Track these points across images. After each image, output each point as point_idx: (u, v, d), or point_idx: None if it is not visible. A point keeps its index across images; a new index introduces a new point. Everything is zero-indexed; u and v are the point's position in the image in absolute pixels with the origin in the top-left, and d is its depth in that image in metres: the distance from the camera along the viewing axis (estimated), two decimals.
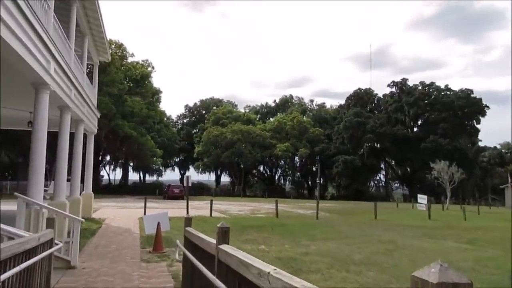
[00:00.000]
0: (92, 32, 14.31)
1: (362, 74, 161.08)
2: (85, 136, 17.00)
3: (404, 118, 62.61)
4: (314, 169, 65.20)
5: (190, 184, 18.77)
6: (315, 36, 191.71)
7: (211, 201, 19.87)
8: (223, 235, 3.16)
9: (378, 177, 72.78)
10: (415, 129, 64.38)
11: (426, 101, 60.70)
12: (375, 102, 68.80)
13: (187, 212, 18.97)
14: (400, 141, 59.09)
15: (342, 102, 72.75)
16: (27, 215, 7.65)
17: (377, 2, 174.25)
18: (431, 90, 61.69)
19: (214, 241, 3.55)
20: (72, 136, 13.82)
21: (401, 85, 63.97)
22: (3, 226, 4.89)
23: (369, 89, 68.60)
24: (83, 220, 7.51)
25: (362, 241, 13.13)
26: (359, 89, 68.26)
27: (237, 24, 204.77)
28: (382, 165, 67.57)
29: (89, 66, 21.88)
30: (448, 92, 60.96)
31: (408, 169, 63.94)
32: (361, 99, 67.01)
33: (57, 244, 5.17)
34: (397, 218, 22.35)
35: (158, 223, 10.11)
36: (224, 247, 3.06)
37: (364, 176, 61.33)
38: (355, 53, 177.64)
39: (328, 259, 9.80)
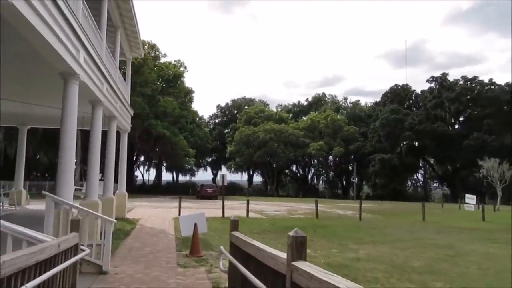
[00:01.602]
0: (124, 25, 13.80)
1: (395, 71, 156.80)
2: (118, 134, 16.59)
3: (445, 114, 59.66)
4: (350, 168, 63.38)
5: (226, 183, 18.01)
6: (347, 34, 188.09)
7: (248, 201, 19.05)
8: (299, 248, 2.26)
9: (415, 177, 69.96)
10: (457, 126, 61.27)
11: (468, 97, 57.57)
12: (413, 98, 66.11)
13: (223, 213, 18.26)
14: (440, 139, 56.33)
15: (376, 100, 70.58)
16: (56, 216, 7.03)
17: None
18: (473, 85, 58.44)
19: (280, 253, 2.65)
20: (105, 134, 13.35)
21: (441, 80, 61.00)
22: (24, 230, 4.20)
23: (407, 85, 65.99)
24: (116, 221, 6.81)
25: (416, 245, 11.92)
26: (395, 85, 65.78)
27: (267, 25, 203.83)
28: (420, 164, 64.76)
29: (123, 68, 21.64)
30: (493, 87, 57.56)
31: (449, 168, 60.89)
32: (398, 95, 64.49)
33: (83, 250, 4.43)
34: (447, 219, 20.74)
35: (195, 225, 9.35)
36: (301, 264, 2.15)
37: (402, 175, 58.95)
38: (389, 51, 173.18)
39: (384, 266, 8.72)
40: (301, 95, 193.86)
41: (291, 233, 2.33)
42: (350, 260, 9.25)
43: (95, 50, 8.72)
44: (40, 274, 2.83)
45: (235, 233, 4.39)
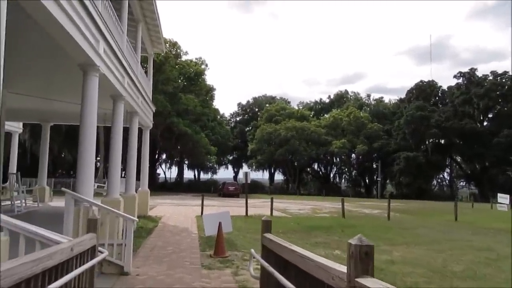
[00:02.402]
0: (145, 19, 13.51)
1: (418, 68, 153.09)
2: (140, 131, 16.38)
3: (473, 111, 57.65)
4: (374, 166, 62.08)
5: (249, 181, 17.57)
6: (368, 31, 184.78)
7: (272, 199, 18.56)
8: (364, 260, 1.78)
9: (441, 175, 67.95)
10: (486, 123, 59.12)
11: (498, 92, 55.36)
12: (439, 95, 64.14)
13: (247, 211, 17.84)
14: (468, 136, 54.47)
15: (398, 97, 68.92)
16: (75, 213, 6.72)
17: None
18: (504, 80, 56.19)
19: (334, 265, 2.16)
20: (126, 130, 13.10)
21: (469, 76, 58.89)
22: (37, 229, 3.84)
23: (432, 81, 64.00)
24: (137, 220, 6.42)
25: (452, 247, 11.18)
26: (421, 81, 63.95)
27: (286, 23, 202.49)
28: (447, 162, 62.82)
29: (145, 66, 21.49)
30: None
31: (477, 166, 58.82)
32: (424, 92, 62.65)
33: (101, 253, 4.04)
34: (480, 220, 19.72)
35: (220, 224, 8.93)
36: (369, 283, 1.66)
37: (427, 173, 57.24)
38: (411, 47, 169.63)
39: (422, 269, 8.10)
40: (322, 93, 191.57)
41: (353, 241, 1.84)
42: (385, 262, 8.64)
43: (115, 42, 8.39)
44: (48, 284, 2.42)
45: (268, 235, 3.92)
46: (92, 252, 3.64)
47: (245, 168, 70.26)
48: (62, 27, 5.59)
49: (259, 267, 6.85)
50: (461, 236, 13.34)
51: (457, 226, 16.45)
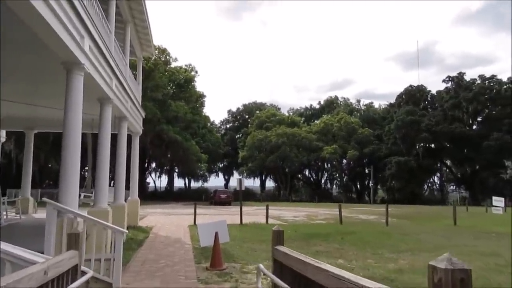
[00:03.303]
0: (134, 21, 12.95)
1: (406, 74, 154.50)
2: (129, 138, 15.72)
3: (462, 115, 57.91)
4: (366, 171, 61.97)
5: (243, 188, 16.96)
6: (356, 37, 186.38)
7: (267, 206, 17.95)
8: None
9: (431, 180, 68.00)
10: (475, 127, 59.45)
11: (486, 96, 55.78)
12: (429, 99, 64.41)
13: (241, 219, 17.21)
14: (458, 140, 54.66)
15: (387, 103, 69.16)
16: (58, 226, 6.08)
17: None
18: (492, 84, 56.66)
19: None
20: (115, 137, 12.47)
21: (458, 80, 59.28)
22: (7, 247, 3.23)
23: (422, 85, 64.26)
24: (127, 231, 5.82)
25: (459, 253, 10.71)
26: (410, 86, 64.16)
27: (275, 30, 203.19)
28: (437, 166, 62.93)
29: (133, 73, 20.84)
30: None
31: (468, 170, 58.99)
32: (413, 96, 62.84)
33: (85, 273, 3.43)
34: (479, 223, 19.38)
35: (216, 234, 8.33)
36: None
37: (419, 178, 57.23)
38: (398, 53, 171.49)
39: None
40: (311, 99, 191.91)
41: (439, 263, 1.31)
42: (394, 272, 8.13)
43: (102, 40, 7.81)
44: None
45: (282, 249, 3.36)
46: (73, 273, 3.05)
47: (236, 175, 69.64)
48: (42, 18, 5.02)
49: (266, 281, 6.28)
50: (464, 241, 12.90)
51: (457, 231, 16.05)
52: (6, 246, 3.11)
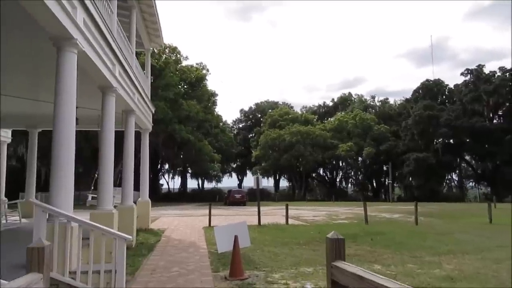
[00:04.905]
0: (140, 6, 11.97)
1: (418, 70, 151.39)
2: (139, 135, 14.77)
3: (483, 108, 55.91)
4: (384, 168, 60.39)
5: (261, 186, 15.86)
6: (366, 35, 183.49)
7: (287, 205, 16.78)
8: None
9: (449, 176, 65.89)
10: (496, 120, 57.39)
11: (508, 89, 53.66)
12: (446, 93, 62.48)
13: (259, 220, 16.13)
14: (479, 135, 52.66)
15: (403, 98, 67.40)
16: (49, 232, 5.08)
17: None
18: None
19: None
20: (121, 134, 11.51)
21: (477, 73, 57.23)
22: None
23: (439, 79, 62.41)
24: (130, 237, 4.76)
25: (508, 255, 9.45)
26: (427, 80, 62.31)
27: (285, 30, 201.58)
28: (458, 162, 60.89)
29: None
30: None
31: (489, 165, 56.88)
32: (430, 91, 61.01)
33: None
34: None
35: (235, 238, 7.26)
36: None
37: (439, 174, 55.39)
38: (410, 49, 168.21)
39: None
40: (322, 98, 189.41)
41: None
42: (443, 279, 6.96)
43: (101, 16, 6.80)
44: None
45: (343, 266, 2.26)
46: None
47: (249, 175, 68.65)
48: None
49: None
50: (508, 241, 11.59)
51: (495, 229, 14.68)
52: None
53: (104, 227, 5.21)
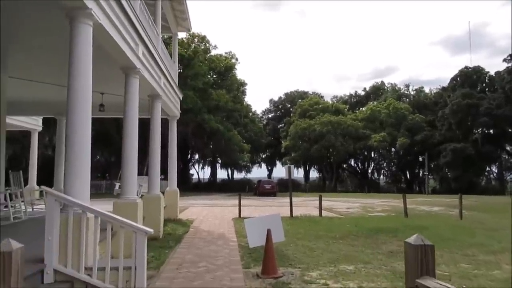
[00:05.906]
0: None
1: (453, 58, 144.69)
2: (166, 122, 14.30)
3: None
4: (420, 159, 58.25)
5: (292, 176, 15.13)
6: (398, 22, 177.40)
7: (320, 197, 15.98)
8: None
9: (488, 168, 62.75)
10: None
11: None
12: (487, 81, 59.27)
13: (291, 211, 15.44)
14: None
15: (439, 87, 64.58)
16: (62, 223, 4.57)
17: None
18: None
19: None
20: (148, 123, 11.04)
21: None
22: None
23: (478, 67, 59.20)
24: (152, 231, 4.23)
25: None
26: (465, 67, 59.22)
27: (314, 20, 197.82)
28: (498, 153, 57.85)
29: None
30: None
31: None
32: (469, 78, 57.99)
33: None
34: None
35: (268, 231, 6.59)
36: None
37: (478, 166, 52.78)
38: (445, 37, 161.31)
39: None
40: (352, 88, 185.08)
41: None
42: (505, 282, 6.06)
43: None
44: None
45: (435, 286, 1.51)
46: None
47: (279, 166, 68.01)
48: None
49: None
50: None
51: None
52: None
53: (123, 219, 4.66)
